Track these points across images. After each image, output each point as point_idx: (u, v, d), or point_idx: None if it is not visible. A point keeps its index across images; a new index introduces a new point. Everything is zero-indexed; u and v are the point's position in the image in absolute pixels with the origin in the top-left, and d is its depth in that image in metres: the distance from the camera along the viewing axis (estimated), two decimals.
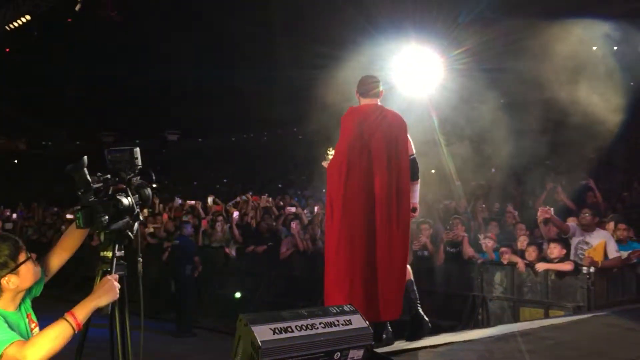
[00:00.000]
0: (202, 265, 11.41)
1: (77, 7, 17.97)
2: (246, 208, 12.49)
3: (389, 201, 4.47)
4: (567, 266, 7.46)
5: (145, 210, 14.12)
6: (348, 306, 2.91)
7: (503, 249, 8.12)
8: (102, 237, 3.16)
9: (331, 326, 2.75)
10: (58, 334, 2.42)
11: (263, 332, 2.54)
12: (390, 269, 4.43)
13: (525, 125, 12.17)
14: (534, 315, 7.67)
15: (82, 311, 2.53)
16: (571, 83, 10.02)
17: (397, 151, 4.56)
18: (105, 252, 3.10)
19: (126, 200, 3.10)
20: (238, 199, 13.40)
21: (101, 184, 3.09)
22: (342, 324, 2.79)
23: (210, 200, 13.34)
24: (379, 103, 4.77)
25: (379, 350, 3.98)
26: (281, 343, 2.56)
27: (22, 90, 23.40)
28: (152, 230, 12.56)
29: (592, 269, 7.25)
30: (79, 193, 3.00)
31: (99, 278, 2.89)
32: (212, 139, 27.19)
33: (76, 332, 2.50)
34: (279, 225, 10.90)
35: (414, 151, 4.76)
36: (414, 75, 9.75)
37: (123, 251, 3.16)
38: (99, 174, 3.16)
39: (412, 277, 4.92)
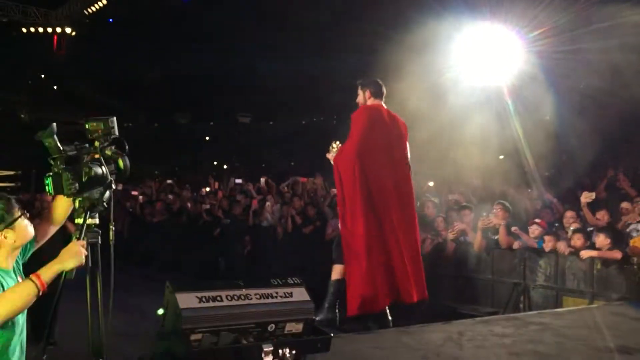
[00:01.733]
0: (252, 244, 11.59)
1: None
2: (298, 189, 12.52)
3: (406, 192, 5.00)
4: (614, 254, 6.95)
5: (207, 189, 14.55)
6: (293, 279, 2.81)
7: (547, 237, 7.69)
8: (76, 204, 3.23)
9: (267, 297, 2.66)
10: (22, 291, 2.46)
11: (187, 300, 2.48)
12: (415, 255, 5.05)
13: (602, 113, 11.51)
14: (578, 305, 7.24)
15: (46, 272, 2.55)
16: None
17: (404, 148, 5.12)
18: (78, 220, 3.16)
19: (99, 170, 3.12)
20: (290, 180, 13.45)
21: (75, 152, 3.14)
22: (281, 296, 2.70)
23: (262, 180, 13.47)
24: (384, 104, 5.18)
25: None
26: (206, 312, 2.50)
27: (101, 73, 24.49)
28: (208, 207, 12.85)
29: None
30: (50, 160, 3.06)
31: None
32: (282, 122, 27.45)
33: (40, 292, 2.51)
34: (325, 206, 10.84)
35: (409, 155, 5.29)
36: (486, 56, 9.43)
37: (97, 220, 3.21)
38: (75, 142, 3.21)
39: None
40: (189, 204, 13.55)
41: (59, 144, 3.06)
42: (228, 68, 24.51)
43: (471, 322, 4.94)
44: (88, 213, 3.16)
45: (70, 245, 2.76)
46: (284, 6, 20.76)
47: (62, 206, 3.11)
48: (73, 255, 2.67)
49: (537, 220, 8.29)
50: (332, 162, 5.33)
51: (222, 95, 26.16)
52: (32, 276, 2.52)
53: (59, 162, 3.03)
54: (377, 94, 5.20)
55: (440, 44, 10.03)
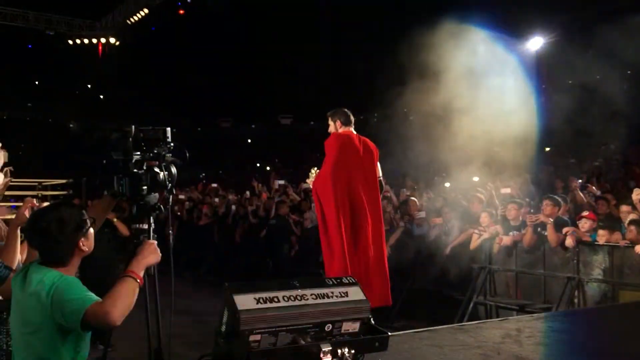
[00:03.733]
0: (299, 244, 11.62)
1: None
2: None
3: (374, 206, 5.40)
4: None
5: (248, 192, 14.69)
6: (348, 278, 2.81)
7: (601, 231, 7.47)
8: (134, 209, 3.30)
9: (323, 297, 2.65)
10: (130, 290, 2.51)
11: (245, 301, 2.50)
12: (381, 263, 5.37)
13: None
14: (636, 299, 7.02)
15: (138, 268, 2.61)
16: None
17: (372, 169, 5.56)
18: (136, 225, 3.22)
19: (161, 175, 3.20)
20: None
21: (140, 157, 3.20)
22: (337, 296, 2.69)
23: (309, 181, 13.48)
24: (353, 130, 5.63)
25: None
26: (263, 313, 2.50)
27: (145, 80, 25.00)
28: (253, 208, 12.96)
29: None
30: (119, 162, 3.12)
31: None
32: (323, 122, 27.44)
33: (140, 286, 2.58)
34: None
35: (381, 173, 5.71)
36: None
37: (153, 224, 3.27)
38: (143, 148, 3.26)
39: None
40: (234, 207, 13.70)
41: (131, 147, 3.15)
42: (269, 70, 24.69)
43: (528, 318, 4.83)
44: (150, 217, 3.26)
45: (147, 243, 2.80)
46: (323, 7, 20.84)
47: (104, 210, 3.16)
48: (153, 252, 2.73)
49: (584, 213, 8.07)
50: (311, 186, 5.89)
51: (263, 97, 26.38)
52: (129, 273, 2.57)
53: (132, 165, 3.11)
54: (347, 122, 5.65)
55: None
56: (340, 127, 5.66)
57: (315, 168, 5.85)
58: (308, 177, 6.00)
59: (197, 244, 13.56)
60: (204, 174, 22.87)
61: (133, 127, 3.06)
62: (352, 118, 5.69)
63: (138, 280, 2.56)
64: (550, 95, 14.59)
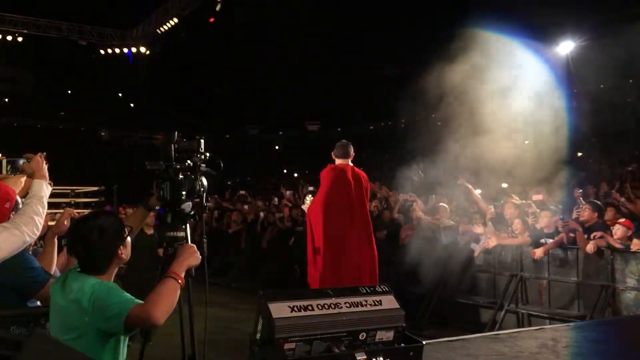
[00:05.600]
0: None
1: (218, 8, 19.06)
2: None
3: (367, 233, 6.06)
4: None
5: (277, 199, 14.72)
6: (381, 287, 2.80)
7: (636, 240, 7.32)
8: (169, 217, 3.34)
9: (357, 306, 2.65)
10: (171, 289, 2.55)
11: (280, 309, 2.51)
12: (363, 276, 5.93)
13: None
14: None
15: (180, 269, 2.65)
16: None
17: (363, 198, 6.15)
18: (171, 233, 3.25)
19: (195, 184, 3.24)
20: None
21: (177, 166, 3.25)
22: (371, 305, 2.68)
23: None
24: (350, 163, 6.15)
25: None
26: (298, 321, 2.51)
27: (175, 89, 25.33)
28: (281, 215, 13.00)
29: None
30: (161, 167, 3.17)
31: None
32: (350, 128, 27.46)
33: (181, 287, 2.62)
34: (396, 212, 10.77)
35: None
36: None
37: (189, 232, 3.31)
38: (176, 157, 3.30)
39: None
40: (262, 214, 13.75)
41: (173, 153, 3.20)
42: (296, 77, 24.79)
43: (564, 327, 4.74)
44: (186, 224, 3.30)
45: (187, 245, 2.84)
46: (349, 14, 20.86)
47: (139, 221, 3.20)
48: (193, 254, 2.76)
49: (621, 220, 7.91)
50: (306, 211, 6.46)
51: (290, 104, 26.49)
52: (171, 274, 2.61)
53: (172, 171, 3.16)
54: (343, 155, 6.16)
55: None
56: (337, 160, 6.21)
57: (310, 195, 6.61)
58: (304, 202, 6.69)
59: (226, 250, 13.64)
60: (230, 183, 23.04)
61: (176, 132, 3.11)
62: (350, 151, 6.17)
63: (180, 281, 2.60)
64: (582, 99, 14.37)
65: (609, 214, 8.04)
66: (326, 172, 6.19)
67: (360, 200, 6.10)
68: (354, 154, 6.27)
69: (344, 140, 6.37)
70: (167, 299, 2.50)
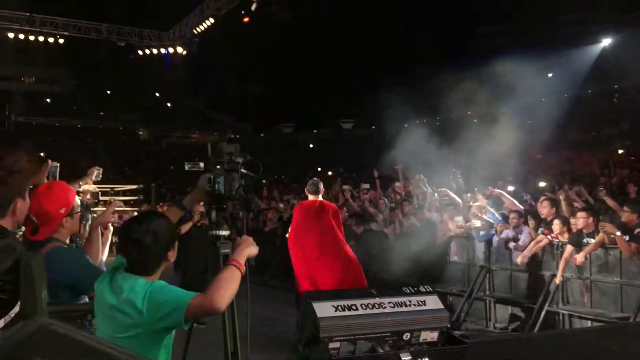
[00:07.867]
0: (363, 247, 11.58)
1: (253, 7, 19.21)
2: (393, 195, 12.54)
3: (335, 251, 7.05)
4: None
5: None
6: (425, 287, 2.79)
7: None
8: (212, 216, 3.39)
9: (401, 306, 2.65)
10: (233, 276, 2.59)
11: (324, 309, 2.52)
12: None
13: None
14: None
15: (241, 257, 2.70)
16: None
17: (330, 226, 7.07)
18: (216, 231, 3.30)
19: (237, 184, 3.28)
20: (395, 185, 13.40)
21: (225, 164, 3.30)
22: (415, 305, 2.68)
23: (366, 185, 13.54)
24: (320, 198, 7.21)
25: None
26: (342, 320, 2.52)
27: (211, 89, 25.60)
28: None
29: None
30: (215, 165, 3.22)
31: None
32: (385, 126, 27.35)
33: (242, 274, 2.66)
34: (426, 210, 10.74)
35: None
36: None
37: (229, 231, 3.36)
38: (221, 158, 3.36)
39: None
40: None
41: (224, 151, 3.25)
42: (330, 75, 24.80)
43: (623, 325, 4.59)
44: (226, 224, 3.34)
45: (244, 237, 2.87)
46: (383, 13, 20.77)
47: (174, 218, 3.16)
48: (251, 244, 2.80)
49: None
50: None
51: (325, 102, 26.52)
52: (234, 262, 2.66)
53: (225, 168, 3.21)
54: (314, 192, 7.19)
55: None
56: (309, 195, 7.25)
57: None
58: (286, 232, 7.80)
59: (262, 249, 13.66)
60: (265, 181, 23.20)
61: (230, 130, 3.15)
62: (320, 187, 7.20)
63: (241, 269, 2.64)
64: (621, 96, 14.07)
65: None
66: (297, 207, 7.51)
67: (326, 229, 7.08)
68: (323, 189, 7.32)
69: (315, 178, 7.43)
70: (228, 285, 2.54)
